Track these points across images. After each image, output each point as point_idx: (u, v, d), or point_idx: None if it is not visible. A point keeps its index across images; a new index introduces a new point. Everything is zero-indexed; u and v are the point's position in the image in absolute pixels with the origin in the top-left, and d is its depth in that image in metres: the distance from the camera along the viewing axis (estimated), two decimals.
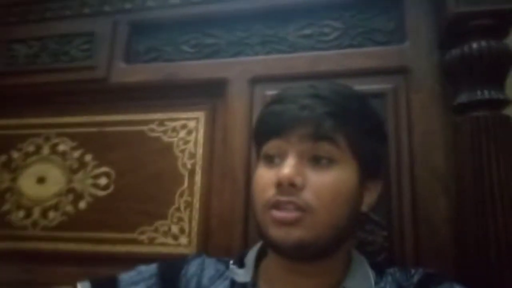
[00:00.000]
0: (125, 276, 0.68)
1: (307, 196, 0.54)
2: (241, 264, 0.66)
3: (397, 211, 0.76)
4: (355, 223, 0.60)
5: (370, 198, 0.62)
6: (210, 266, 0.67)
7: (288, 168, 0.55)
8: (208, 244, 0.85)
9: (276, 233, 0.55)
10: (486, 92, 0.72)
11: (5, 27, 1.10)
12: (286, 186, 0.55)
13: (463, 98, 0.74)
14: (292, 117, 0.58)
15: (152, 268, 0.68)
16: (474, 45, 0.72)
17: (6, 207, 0.99)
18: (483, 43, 0.72)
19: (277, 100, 0.63)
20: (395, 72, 0.83)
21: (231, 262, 0.67)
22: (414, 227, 0.74)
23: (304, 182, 0.55)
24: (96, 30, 1.02)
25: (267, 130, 0.61)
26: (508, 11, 0.72)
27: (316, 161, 0.57)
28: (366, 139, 0.60)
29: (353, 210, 0.58)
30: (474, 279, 0.65)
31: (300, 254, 0.56)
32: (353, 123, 0.58)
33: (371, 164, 0.61)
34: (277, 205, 0.55)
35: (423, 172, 0.76)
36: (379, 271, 0.61)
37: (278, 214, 0.55)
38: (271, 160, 0.59)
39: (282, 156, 0.58)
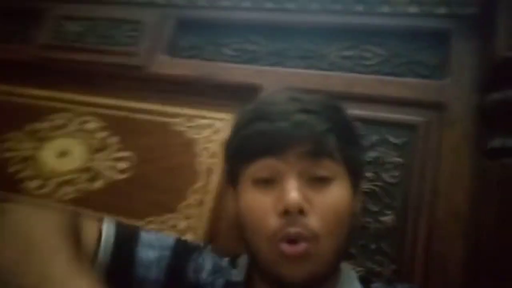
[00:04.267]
0: (145, 236, 0.62)
1: (313, 223, 0.50)
2: (234, 265, 0.64)
3: (410, 247, 0.74)
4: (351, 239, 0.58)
5: (356, 209, 0.59)
6: (209, 259, 0.66)
7: (294, 192, 0.50)
8: (214, 245, 0.84)
9: (288, 271, 0.51)
10: None
11: (58, 2, 1.14)
12: (295, 214, 0.50)
13: (497, 143, 0.72)
14: (288, 135, 0.52)
15: (170, 240, 0.64)
16: None
17: (24, 174, 1.01)
18: None
19: (261, 117, 0.56)
20: (430, 106, 0.82)
21: (226, 260, 0.65)
22: (425, 265, 0.72)
23: (309, 206, 0.51)
24: (143, 20, 1.05)
25: (257, 150, 0.54)
26: None
27: (315, 180, 0.52)
28: (354, 149, 0.57)
29: (351, 228, 0.55)
30: None
31: (308, 286, 0.52)
32: (345, 137, 0.56)
33: (359, 175, 0.59)
34: (287, 238, 0.50)
35: (443, 212, 0.74)
36: (366, 286, 0.59)
37: (289, 249, 0.50)
38: (265, 183, 0.54)
39: (278, 178, 0.53)
